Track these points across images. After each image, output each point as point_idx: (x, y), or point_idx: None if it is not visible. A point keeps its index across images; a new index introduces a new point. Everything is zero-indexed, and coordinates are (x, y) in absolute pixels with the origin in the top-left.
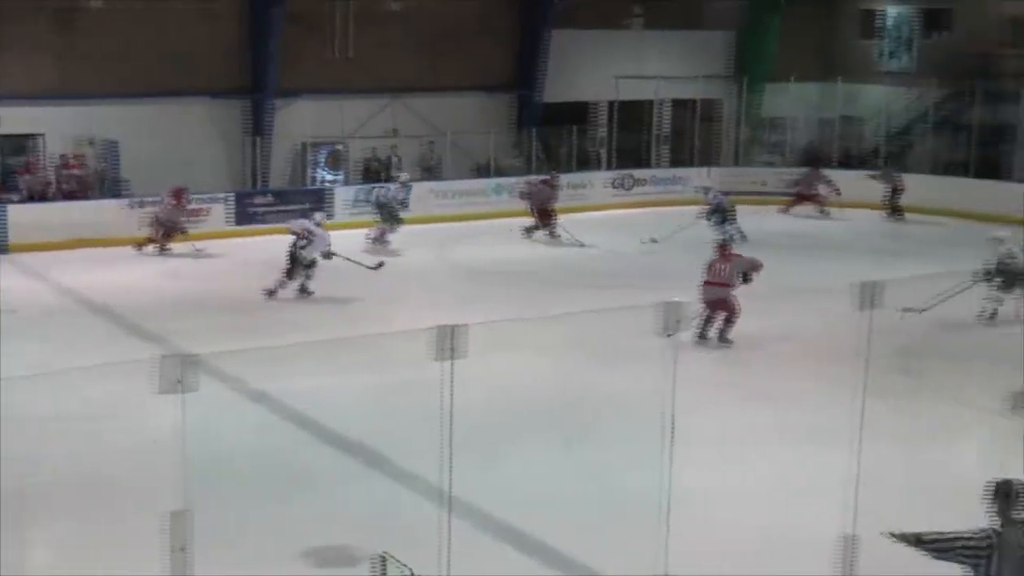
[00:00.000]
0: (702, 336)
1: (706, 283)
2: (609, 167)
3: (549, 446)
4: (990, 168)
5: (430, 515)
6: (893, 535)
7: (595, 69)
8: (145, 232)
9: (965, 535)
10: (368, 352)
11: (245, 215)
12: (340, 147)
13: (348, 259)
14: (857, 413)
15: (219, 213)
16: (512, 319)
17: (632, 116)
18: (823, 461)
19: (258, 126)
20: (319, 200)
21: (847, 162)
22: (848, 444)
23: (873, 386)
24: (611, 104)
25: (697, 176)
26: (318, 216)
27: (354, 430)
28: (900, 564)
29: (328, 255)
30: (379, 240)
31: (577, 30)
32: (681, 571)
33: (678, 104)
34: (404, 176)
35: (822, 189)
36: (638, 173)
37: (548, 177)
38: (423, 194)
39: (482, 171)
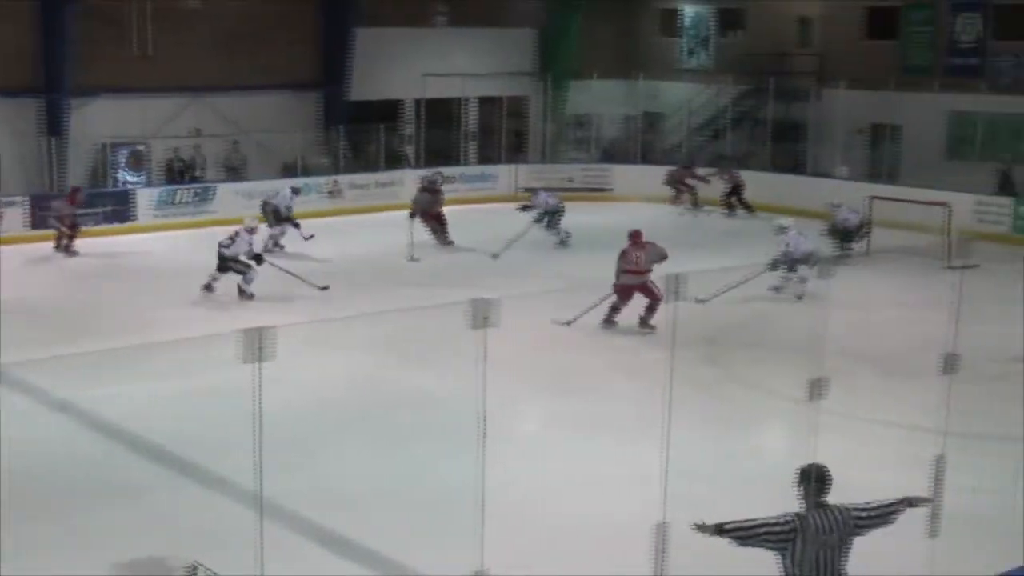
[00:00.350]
0: (609, 322)
1: (627, 271)
2: (418, 165)
3: (364, 446)
4: (788, 163)
5: (245, 520)
6: (696, 526)
7: (402, 67)
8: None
9: (770, 521)
10: (175, 357)
11: (43, 218)
12: (141, 148)
13: (289, 272)
14: (667, 403)
15: (15, 216)
16: (323, 320)
17: (441, 114)
18: (637, 451)
19: (54, 126)
20: (122, 203)
21: (651, 158)
22: (659, 434)
23: (681, 377)
24: (418, 102)
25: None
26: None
27: (164, 437)
28: (712, 551)
29: (255, 258)
30: (275, 245)
31: (383, 28)
32: (497, 566)
33: (486, 101)
34: (296, 187)
35: (690, 182)
36: (447, 170)
37: (424, 184)
38: (228, 195)
39: (289, 171)
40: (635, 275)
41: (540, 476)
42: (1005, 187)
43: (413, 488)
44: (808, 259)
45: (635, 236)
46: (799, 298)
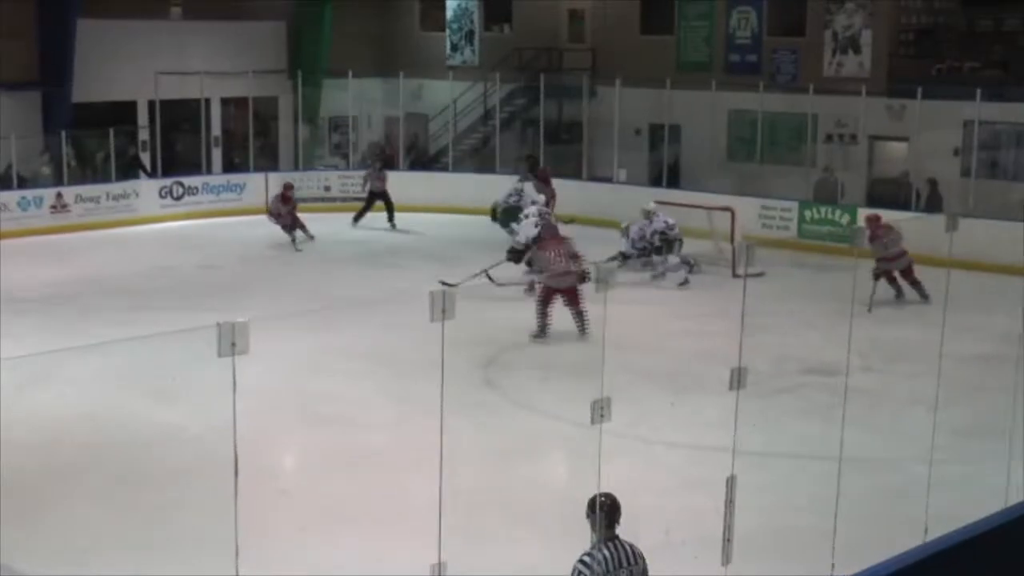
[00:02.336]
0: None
1: (564, 273)
2: (156, 174)
3: (100, 491)
4: (563, 166)
5: None
6: None
7: (132, 64)
8: None
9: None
10: None
11: None
12: None
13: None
14: (439, 433)
15: None
16: (47, 351)
17: (180, 116)
18: (406, 487)
19: None
20: None
21: (419, 162)
22: (432, 467)
23: (454, 403)
24: (151, 104)
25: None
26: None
27: None
28: None
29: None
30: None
31: (109, 20)
32: None
33: (230, 103)
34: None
35: None
36: (189, 180)
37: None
38: None
39: (5, 182)
40: (568, 276)
41: (298, 518)
42: (826, 196)
43: (158, 535)
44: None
45: (553, 231)
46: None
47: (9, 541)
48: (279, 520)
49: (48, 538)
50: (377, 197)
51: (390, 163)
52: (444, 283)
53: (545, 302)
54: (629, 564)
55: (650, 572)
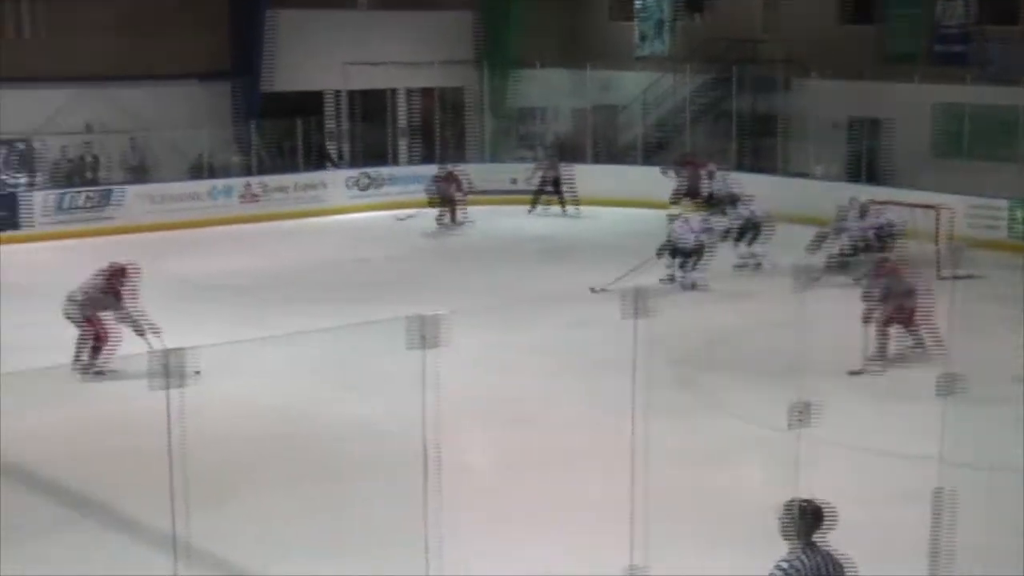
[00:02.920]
0: None
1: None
2: (344, 165)
3: (291, 481)
4: (757, 161)
5: (157, 567)
6: None
7: (322, 54)
8: None
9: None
10: (77, 382)
11: None
12: (22, 145)
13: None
14: (632, 433)
15: None
16: (243, 340)
17: (369, 107)
18: (600, 488)
19: None
20: (7, 208)
21: (606, 157)
22: (626, 469)
23: (646, 404)
24: (338, 94)
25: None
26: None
27: (63, 472)
28: None
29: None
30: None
31: (299, 10)
32: None
33: (417, 93)
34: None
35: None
36: (376, 171)
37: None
38: (128, 199)
39: (196, 172)
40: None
41: (493, 517)
42: None
43: (347, 528)
44: (697, 252)
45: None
46: (688, 288)
47: (201, 528)
48: (468, 518)
49: (238, 527)
50: (549, 185)
51: (566, 154)
52: (594, 290)
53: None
54: (829, 574)
55: None
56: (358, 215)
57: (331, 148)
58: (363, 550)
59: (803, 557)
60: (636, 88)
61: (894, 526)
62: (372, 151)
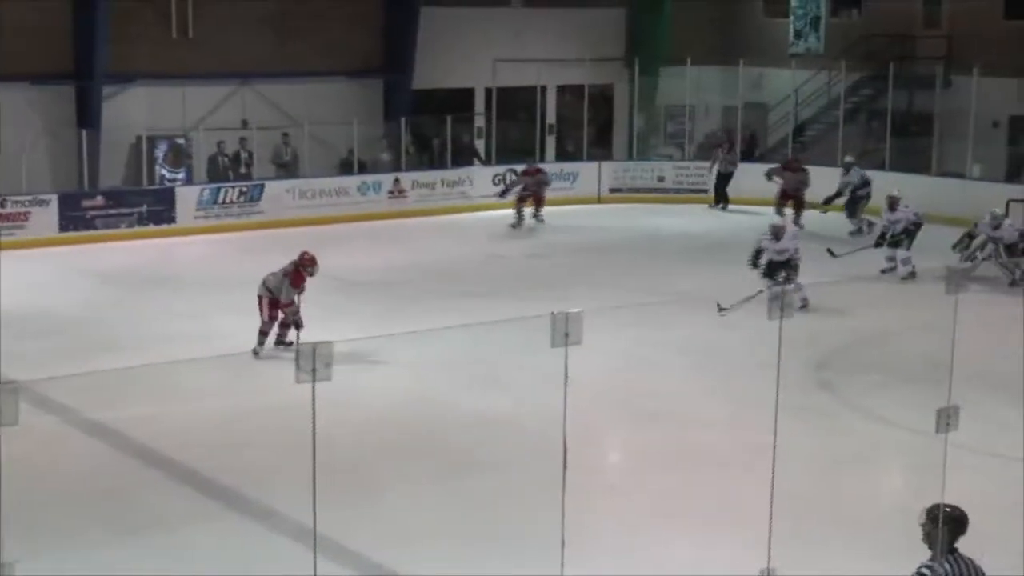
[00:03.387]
0: None
1: None
2: (490, 162)
3: (429, 475)
4: (911, 161)
5: (298, 558)
6: None
7: (471, 51)
8: None
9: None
10: (219, 374)
11: (72, 219)
12: (181, 140)
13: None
14: (771, 434)
15: (42, 218)
16: (384, 335)
17: (515, 104)
18: (735, 488)
19: (84, 117)
20: (164, 202)
21: (757, 155)
22: (763, 470)
23: (787, 405)
24: (489, 91)
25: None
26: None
27: (204, 463)
28: None
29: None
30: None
31: (450, 7)
32: None
33: (565, 90)
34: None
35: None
36: (522, 168)
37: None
38: (278, 194)
39: (346, 167)
40: None
41: (626, 514)
42: None
43: (485, 524)
44: (909, 235)
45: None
46: (905, 278)
47: (341, 520)
48: (606, 515)
49: (378, 519)
50: (726, 179)
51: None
52: (721, 307)
53: None
54: None
55: None
56: (503, 212)
57: (478, 145)
58: (499, 545)
59: (946, 564)
60: (788, 86)
61: None
62: (518, 148)
